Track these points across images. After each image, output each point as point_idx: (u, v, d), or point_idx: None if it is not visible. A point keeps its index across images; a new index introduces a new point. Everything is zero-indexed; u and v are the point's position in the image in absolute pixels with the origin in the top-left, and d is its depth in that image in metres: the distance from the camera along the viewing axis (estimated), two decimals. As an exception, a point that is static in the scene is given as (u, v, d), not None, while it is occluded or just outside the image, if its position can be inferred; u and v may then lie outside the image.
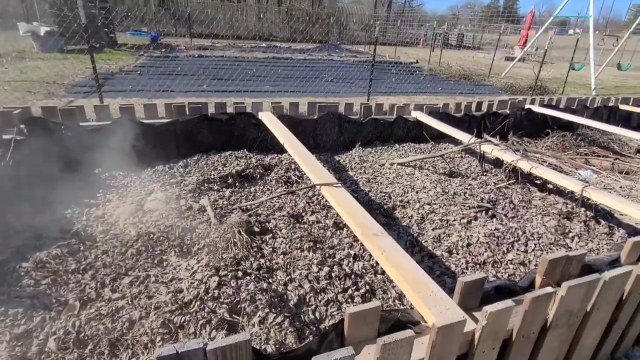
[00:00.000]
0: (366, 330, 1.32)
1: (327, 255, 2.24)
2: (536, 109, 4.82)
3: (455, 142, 4.30)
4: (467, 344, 1.40)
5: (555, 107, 5.13)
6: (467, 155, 4.19)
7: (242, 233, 2.19)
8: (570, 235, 2.69)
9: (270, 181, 3.24)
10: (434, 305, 1.46)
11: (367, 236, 1.90)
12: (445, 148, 4.15)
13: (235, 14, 21.33)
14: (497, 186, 3.28)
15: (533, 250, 2.50)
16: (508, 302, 1.35)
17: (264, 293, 1.81)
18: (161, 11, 21.24)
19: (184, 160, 3.47)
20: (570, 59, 10.62)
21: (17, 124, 3.05)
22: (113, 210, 2.58)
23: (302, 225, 2.54)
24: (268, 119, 3.73)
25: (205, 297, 1.72)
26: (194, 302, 1.70)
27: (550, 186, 3.38)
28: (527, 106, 4.84)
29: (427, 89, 9.30)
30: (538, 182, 3.48)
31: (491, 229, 2.62)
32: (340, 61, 13.02)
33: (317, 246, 2.30)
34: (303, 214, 2.73)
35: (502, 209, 2.90)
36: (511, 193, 3.19)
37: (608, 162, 4.49)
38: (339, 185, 2.42)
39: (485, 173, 3.68)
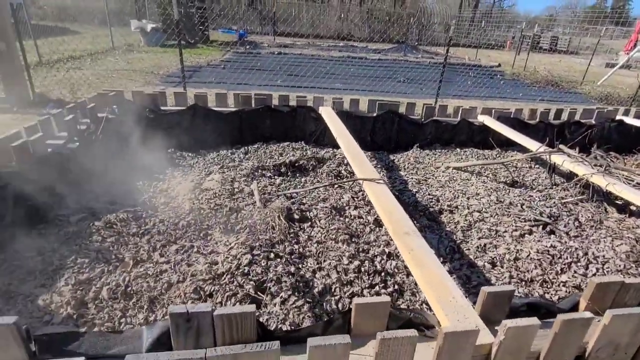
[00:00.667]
0: (374, 324, 1.32)
1: (360, 249, 2.25)
2: (630, 120, 4.21)
3: (524, 151, 3.96)
4: (482, 357, 1.32)
5: None
6: (537, 166, 3.84)
7: (282, 218, 2.30)
8: (646, 264, 2.35)
9: (322, 173, 3.32)
10: (452, 312, 1.41)
11: (398, 234, 1.88)
12: (512, 156, 3.85)
13: (318, 13, 21.85)
14: (563, 201, 2.97)
15: (594, 274, 2.23)
16: (532, 320, 1.25)
17: (291, 276, 1.89)
18: (250, 10, 22.61)
19: (245, 147, 3.71)
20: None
21: (110, 105, 3.53)
22: (175, 185, 2.87)
23: (342, 218, 2.57)
24: (327, 113, 3.81)
25: (236, 272, 1.85)
26: (225, 275, 1.83)
27: (633, 208, 2.97)
28: (618, 117, 4.25)
29: (506, 94, 8.64)
30: (619, 202, 3.08)
31: (546, 246, 2.40)
32: (415, 62, 12.66)
33: (353, 240, 2.32)
34: (346, 207, 2.76)
35: (565, 226, 2.62)
36: (579, 210, 2.87)
37: None
38: (381, 181, 2.40)
39: (553, 187, 3.34)
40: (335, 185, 3.06)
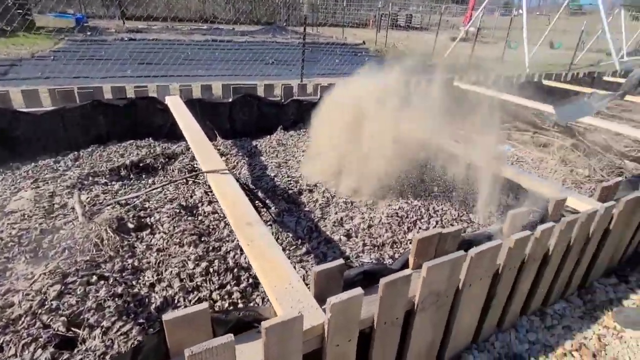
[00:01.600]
0: (196, 337, 1.16)
1: (210, 248, 2.05)
2: (462, 85, 4.83)
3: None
4: (318, 338, 1.28)
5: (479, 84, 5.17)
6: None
7: (110, 232, 1.95)
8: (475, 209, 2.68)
9: (173, 171, 2.99)
10: (287, 299, 1.32)
11: (239, 226, 1.73)
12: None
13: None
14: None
15: (434, 226, 2.45)
16: (354, 291, 1.23)
17: (117, 298, 1.60)
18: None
19: (76, 153, 3.12)
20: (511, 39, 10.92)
21: None
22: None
23: (192, 218, 2.33)
24: (173, 103, 3.43)
25: (40, 310, 1.48)
26: (23, 317, 1.45)
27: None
28: (455, 84, 4.85)
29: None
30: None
31: (395, 209, 2.55)
32: (284, 43, 12.63)
33: (202, 240, 2.11)
34: (199, 204, 2.52)
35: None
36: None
37: (527, 136, 4.62)
38: (226, 171, 2.22)
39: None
40: (189, 181, 2.78)
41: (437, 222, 2.50)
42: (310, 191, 2.80)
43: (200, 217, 2.38)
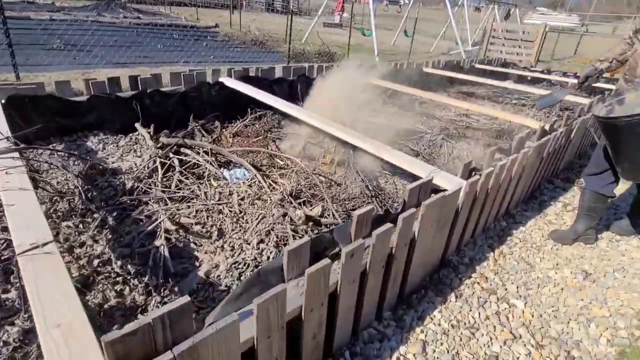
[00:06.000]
0: None
1: None
2: (230, 82, 3.90)
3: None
4: None
5: (249, 79, 4.10)
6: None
7: None
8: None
9: None
10: None
11: None
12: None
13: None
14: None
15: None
16: None
17: None
18: None
19: None
20: (391, 27, 10.65)
21: None
22: None
23: None
24: None
25: None
26: None
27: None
28: (220, 79, 3.90)
29: (193, 58, 7.86)
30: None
31: None
32: (108, 23, 10.44)
33: None
34: None
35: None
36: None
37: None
38: None
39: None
40: None
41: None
42: None
43: None
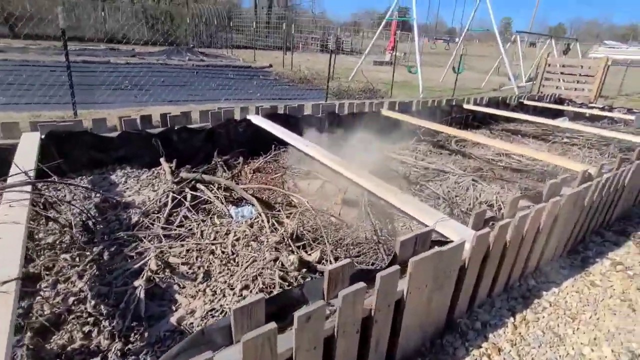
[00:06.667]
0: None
1: None
2: (256, 120, 3.96)
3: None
4: None
5: (275, 117, 4.16)
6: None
7: None
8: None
9: None
10: None
11: None
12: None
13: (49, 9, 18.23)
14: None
15: None
16: None
17: None
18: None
19: None
20: (441, 64, 10.67)
21: None
22: None
23: None
24: None
25: None
26: None
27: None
28: (248, 116, 3.99)
29: (244, 95, 8.31)
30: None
31: None
32: (174, 66, 11.51)
33: None
34: None
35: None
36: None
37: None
38: None
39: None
40: None
41: None
42: None
43: None
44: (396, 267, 1.50)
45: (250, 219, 2.67)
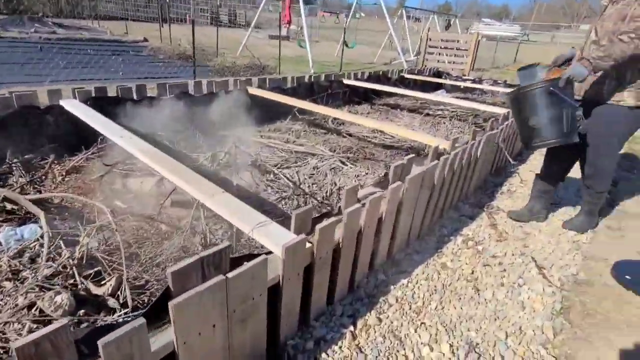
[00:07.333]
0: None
1: None
2: (72, 106, 3.10)
3: None
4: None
5: (102, 101, 3.35)
6: None
7: None
8: None
9: None
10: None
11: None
12: None
13: None
14: None
15: None
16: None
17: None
18: None
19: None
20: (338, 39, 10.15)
21: None
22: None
23: None
24: None
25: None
26: None
27: None
28: (61, 102, 3.12)
29: (101, 75, 7.02)
30: None
31: None
32: (11, 39, 9.34)
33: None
34: None
35: None
36: None
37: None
38: None
39: None
40: None
41: None
42: None
43: None
44: (141, 320, 1.03)
45: (29, 241, 1.98)
